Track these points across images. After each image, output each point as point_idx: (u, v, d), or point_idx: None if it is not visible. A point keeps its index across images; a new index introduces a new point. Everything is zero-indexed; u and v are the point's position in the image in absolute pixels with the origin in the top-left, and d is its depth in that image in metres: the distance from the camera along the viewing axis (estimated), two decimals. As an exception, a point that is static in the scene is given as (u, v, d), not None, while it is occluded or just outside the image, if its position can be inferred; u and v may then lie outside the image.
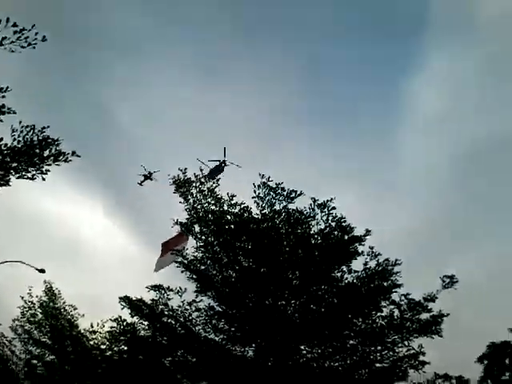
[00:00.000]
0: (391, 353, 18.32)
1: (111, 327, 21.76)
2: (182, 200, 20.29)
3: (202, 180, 20.12)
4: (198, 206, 20.11)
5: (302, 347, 19.61)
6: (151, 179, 49.60)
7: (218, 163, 39.24)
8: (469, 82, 75.16)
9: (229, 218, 19.74)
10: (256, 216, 19.49)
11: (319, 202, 18.79)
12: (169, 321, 20.08)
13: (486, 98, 74.99)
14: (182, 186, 20.23)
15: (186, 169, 20.46)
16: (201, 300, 20.01)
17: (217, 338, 20.05)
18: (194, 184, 20.13)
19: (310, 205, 18.93)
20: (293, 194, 19.13)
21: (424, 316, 17.98)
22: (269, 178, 19.32)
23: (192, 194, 20.17)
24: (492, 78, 74.44)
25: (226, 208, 19.86)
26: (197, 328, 20.02)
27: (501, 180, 66.71)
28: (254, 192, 19.43)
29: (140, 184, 48.77)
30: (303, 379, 18.69)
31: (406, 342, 18.09)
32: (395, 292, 18.29)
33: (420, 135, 74.15)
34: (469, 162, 72.04)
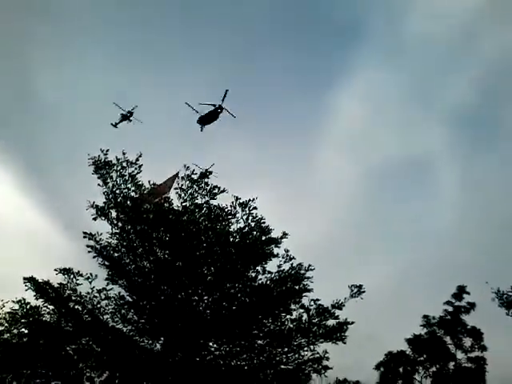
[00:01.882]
0: (296, 355, 18.59)
1: (12, 309, 20.90)
2: (101, 182, 19.68)
3: (124, 165, 19.57)
4: (117, 191, 19.52)
5: (211, 344, 19.67)
6: (130, 120, 44.00)
7: (212, 109, 33.51)
8: (391, 101, 78.50)
9: (148, 206, 19.43)
10: (176, 208, 19.30)
11: (241, 201, 18.90)
12: (76, 307, 19.31)
13: (405, 117, 78.83)
14: (101, 167, 19.50)
15: (107, 150, 19.79)
16: (111, 288, 19.45)
17: (125, 329, 19.59)
18: (114, 167, 19.55)
19: (232, 203, 18.96)
20: (216, 190, 19.09)
21: (330, 322, 18.59)
22: (193, 171, 19.22)
23: (112, 177, 19.51)
24: (414, 99, 78.34)
25: (146, 196, 19.53)
26: (105, 317, 19.37)
27: (406, 198, 70.00)
28: (177, 183, 19.28)
29: (115, 125, 43.47)
30: (209, 376, 18.73)
31: (311, 346, 18.49)
32: (305, 296, 18.71)
33: (339, 148, 76.42)
34: (381, 179, 75.31)
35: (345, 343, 18.40)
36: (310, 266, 18.87)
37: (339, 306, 18.47)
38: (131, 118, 42.62)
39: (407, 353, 28.54)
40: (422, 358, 28.15)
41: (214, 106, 32.07)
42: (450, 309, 28.17)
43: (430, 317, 28.59)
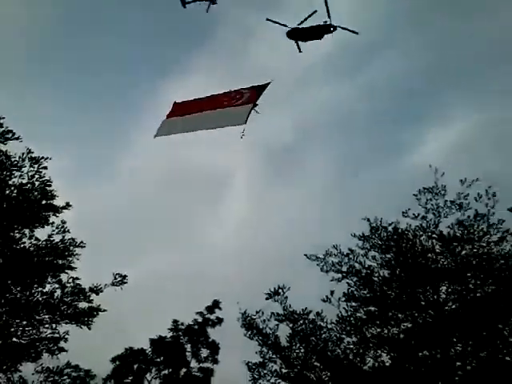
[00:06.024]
0: (34, 331, 16.77)
1: None
2: None
3: None
4: None
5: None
6: (215, 2, 29.88)
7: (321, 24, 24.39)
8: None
9: None
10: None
11: (33, 155, 16.62)
12: None
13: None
14: None
15: None
16: None
17: None
18: None
19: (23, 154, 16.57)
20: (9, 135, 16.44)
21: (83, 305, 17.18)
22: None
23: None
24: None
25: None
26: None
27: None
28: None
29: (183, 3, 29.92)
30: None
31: (53, 325, 16.85)
32: (66, 273, 17.10)
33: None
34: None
35: (90, 329, 17.06)
36: (81, 242, 17.23)
37: (97, 290, 17.15)
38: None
39: (147, 352, 28.18)
40: (158, 360, 28.11)
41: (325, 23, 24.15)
42: (200, 319, 28.93)
43: (180, 322, 28.90)
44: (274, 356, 15.16)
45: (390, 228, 16.36)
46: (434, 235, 15.70)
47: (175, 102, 16.59)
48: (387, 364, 14.28)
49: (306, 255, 16.80)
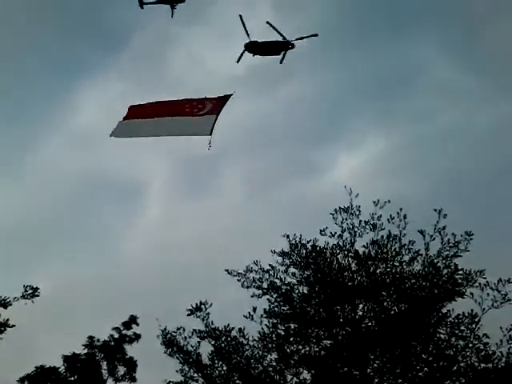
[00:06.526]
0: None
1: None
2: None
3: None
4: None
5: None
6: (174, 7, 29.24)
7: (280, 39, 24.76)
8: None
9: None
10: None
11: None
12: None
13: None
14: None
15: None
16: None
17: None
18: None
19: None
20: None
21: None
22: None
23: None
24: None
25: None
26: None
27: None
28: None
29: (141, 4, 28.38)
30: None
31: (-46, 343, 15.35)
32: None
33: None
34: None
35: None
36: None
37: (5, 303, 15.83)
38: (175, 5, 29.09)
39: (60, 370, 26.39)
40: (72, 379, 26.45)
41: (284, 38, 23.79)
42: (117, 335, 27.75)
43: (95, 339, 27.50)
44: (195, 374, 14.86)
45: (308, 245, 16.61)
46: (351, 254, 16.17)
47: (131, 105, 16.01)
48: (308, 381, 14.52)
49: (226, 270, 16.67)
